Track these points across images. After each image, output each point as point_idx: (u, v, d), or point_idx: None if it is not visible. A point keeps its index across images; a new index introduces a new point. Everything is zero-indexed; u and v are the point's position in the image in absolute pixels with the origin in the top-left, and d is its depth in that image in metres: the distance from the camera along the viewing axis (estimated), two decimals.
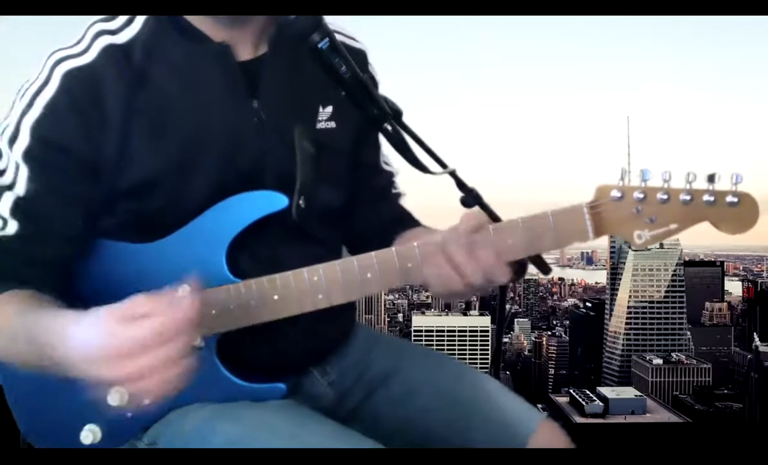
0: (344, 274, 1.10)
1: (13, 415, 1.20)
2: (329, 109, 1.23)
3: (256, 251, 1.14)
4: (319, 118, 1.22)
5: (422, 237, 1.18)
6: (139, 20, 1.11)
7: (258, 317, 1.10)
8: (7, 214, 1.05)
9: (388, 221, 1.34)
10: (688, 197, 1.00)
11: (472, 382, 1.31)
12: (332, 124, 1.23)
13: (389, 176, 1.40)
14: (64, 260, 1.09)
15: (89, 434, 1.02)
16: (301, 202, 1.14)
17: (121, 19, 1.11)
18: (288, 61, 1.17)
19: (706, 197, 0.99)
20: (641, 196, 1.01)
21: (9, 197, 1.05)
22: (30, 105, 1.05)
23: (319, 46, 1.08)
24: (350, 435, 1.07)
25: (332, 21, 1.13)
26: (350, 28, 1.26)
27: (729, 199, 0.98)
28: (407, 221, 1.35)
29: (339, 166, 1.26)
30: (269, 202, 1.12)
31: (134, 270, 1.12)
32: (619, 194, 1.03)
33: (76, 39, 1.09)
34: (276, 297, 1.09)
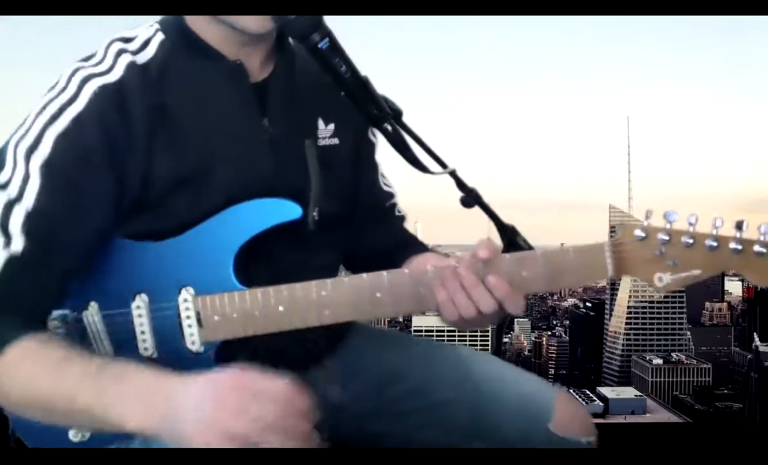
0: (353, 290, 1.07)
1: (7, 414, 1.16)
2: (331, 126, 1.23)
3: (263, 258, 1.12)
4: (324, 135, 1.22)
5: (432, 262, 1.14)
6: (156, 41, 1.12)
7: (261, 328, 1.08)
8: (17, 229, 0.99)
9: (391, 244, 1.32)
10: (714, 243, 0.95)
11: (486, 365, 1.32)
12: (335, 141, 1.24)
13: (389, 197, 1.38)
14: (65, 284, 1.05)
15: (77, 432, 1.05)
16: (315, 213, 1.14)
17: (140, 40, 1.11)
18: (293, 80, 1.19)
19: (732, 245, 0.95)
20: (666, 238, 0.97)
21: (19, 211, 0.99)
22: (56, 117, 1.02)
23: (319, 46, 1.07)
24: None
25: None
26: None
27: (756, 248, 0.94)
28: (413, 245, 1.32)
29: (344, 180, 1.27)
30: (282, 211, 1.10)
31: (137, 267, 1.09)
32: (643, 234, 0.98)
33: (98, 57, 1.08)
34: (281, 309, 1.07)
